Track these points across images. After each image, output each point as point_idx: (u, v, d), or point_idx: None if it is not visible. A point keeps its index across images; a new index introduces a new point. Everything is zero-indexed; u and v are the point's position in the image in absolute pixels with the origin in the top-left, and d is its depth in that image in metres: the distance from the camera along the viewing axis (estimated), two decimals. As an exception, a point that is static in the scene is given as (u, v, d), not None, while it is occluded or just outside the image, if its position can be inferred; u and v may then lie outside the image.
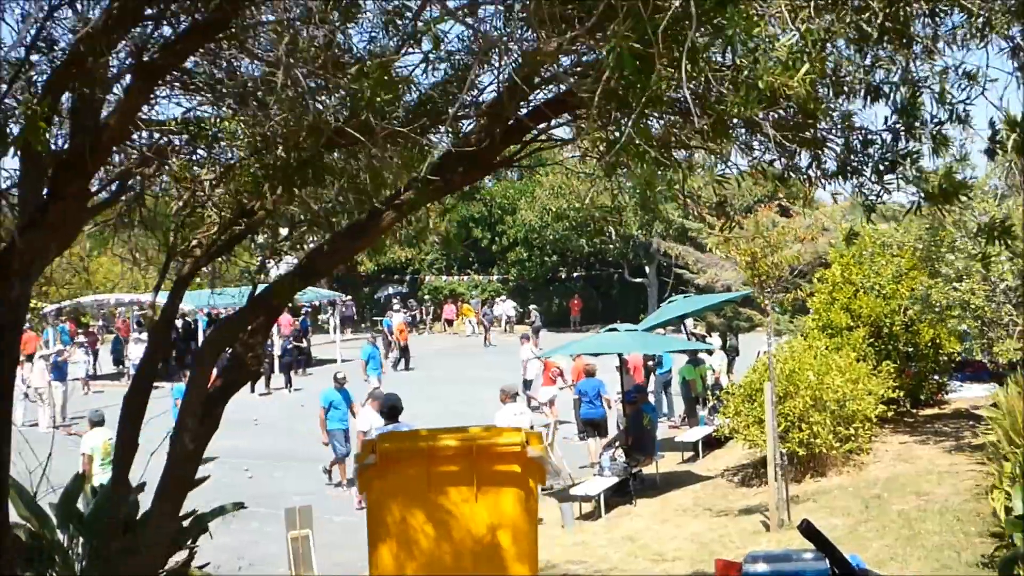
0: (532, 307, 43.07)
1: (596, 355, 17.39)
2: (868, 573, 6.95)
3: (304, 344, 35.70)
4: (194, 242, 5.90)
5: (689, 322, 25.13)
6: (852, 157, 5.05)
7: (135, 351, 31.54)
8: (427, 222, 7.09)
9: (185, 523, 8.46)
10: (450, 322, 49.59)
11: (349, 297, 49.79)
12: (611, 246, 46.38)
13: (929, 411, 18.35)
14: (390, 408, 10.26)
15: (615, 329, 16.35)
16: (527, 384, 24.91)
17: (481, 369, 30.53)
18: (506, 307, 48.09)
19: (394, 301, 45.65)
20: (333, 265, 5.87)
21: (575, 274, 50.84)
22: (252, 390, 29.26)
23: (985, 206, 15.18)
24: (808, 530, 6.64)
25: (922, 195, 4.94)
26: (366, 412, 14.66)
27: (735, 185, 5.50)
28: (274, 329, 36.71)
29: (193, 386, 5.65)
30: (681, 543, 11.38)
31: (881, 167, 5.00)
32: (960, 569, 8.16)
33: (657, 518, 13.43)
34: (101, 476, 13.15)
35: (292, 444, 19.47)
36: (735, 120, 4.57)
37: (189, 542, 8.46)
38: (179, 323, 37.50)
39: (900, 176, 5.01)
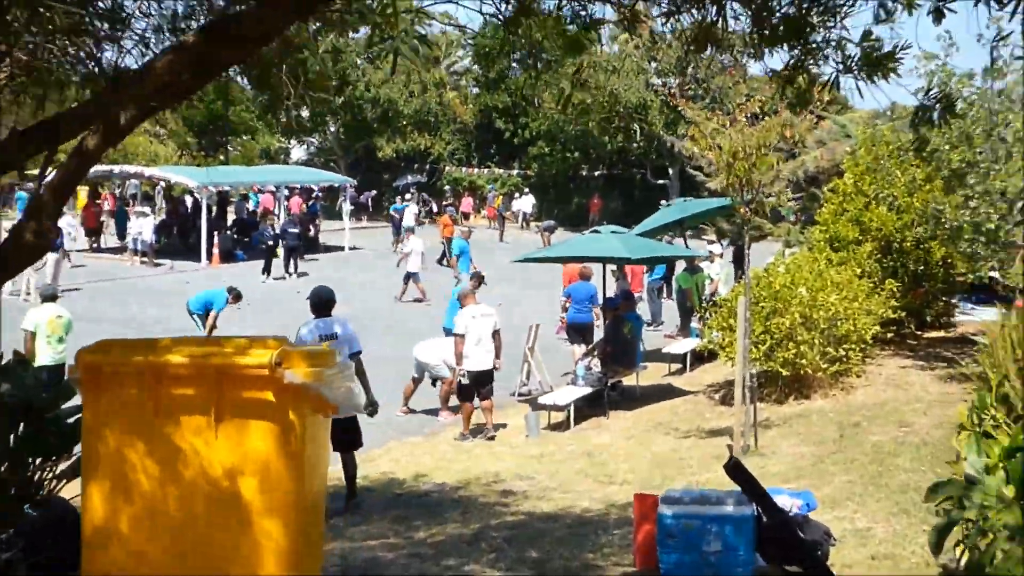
0: (545, 223, 42.15)
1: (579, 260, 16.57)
2: (800, 521, 6.19)
3: (308, 229, 34.93)
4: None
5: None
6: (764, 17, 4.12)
7: (136, 225, 31.01)
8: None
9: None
10: (467, 215, 48.69)
11: (368, 192, 49.02)
12: (635, 145, 45.02)
13: (934, 334, 17.43)
14: (322, 301, 9.41)
15: (598, 231, 15.44)
16: (413, 276, 25.25)
17: (490, 268, 29.71)
18: (524, 203, 47.13)
19: (406, 191, 44.83)
20: (86, 124, 4.71)
21: (597, 172, 49.61)
22: (266, 272, 28.53)
23: (1011, 116, 14.01)
24: (734, 470, 5.88)
25: (840, 66, 4.03)
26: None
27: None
28: (281, 211, 36.32)
29: None
30: (638, 463, 10.69)
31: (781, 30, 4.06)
32: (917, 515, 7.38)
33: (625, 433, 12.76)
34: (47, 353, 12.59)
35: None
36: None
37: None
38: (188, 200, 37.07)
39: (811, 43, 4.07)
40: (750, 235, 24.45)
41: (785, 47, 4.29)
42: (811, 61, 4.32)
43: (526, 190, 48.17)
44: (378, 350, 17.25)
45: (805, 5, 4.14)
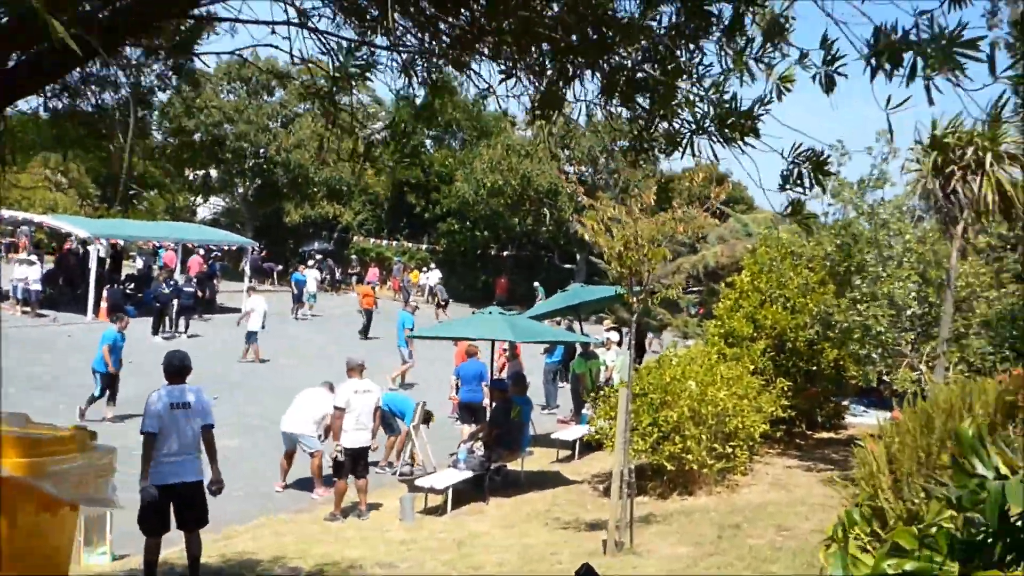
0: (437, 280, 42.73)
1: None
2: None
3: (203, 290, 34.06)
4: None
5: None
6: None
7: (19, 272, 29.65)
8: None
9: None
10: (372, 286, 48.15)
11: (270, 264, 48.14)
12: (544, 229, 45.27)
13: (824, 435, 17.43)
14: (175, 367, 8.75)
15: (483, 312, 15.12)
16: (252, 336, 25.30)
17: (386, 340, 29.11)
18: (431, 277, 46.85)
19: (311, 258, 44.12)
20: None
21: (505, 252, 49.66)
22: (155, 332, 27.57)
23: (900, 226, 14.25)
24: (585, 578, 5.44)
25: (693, 126, 3.73)
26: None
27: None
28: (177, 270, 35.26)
29: None
30: (510, 556, 10.19)
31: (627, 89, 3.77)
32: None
33: (503, 522, 12.26)
34: None
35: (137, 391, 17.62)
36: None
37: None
38: (81, 250, 35.80)
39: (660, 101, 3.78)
40: (649, 325, 24.57)
41: (635, 109, 4.00)
42: (663, 123, 4.00)
43: (432, 265, 47.92)
44: (255, 412, 16.59)
45: (650, 65, 3.83)
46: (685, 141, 3.88)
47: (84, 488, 4.18)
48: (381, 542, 11.05)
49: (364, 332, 31.14)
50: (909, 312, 13.81)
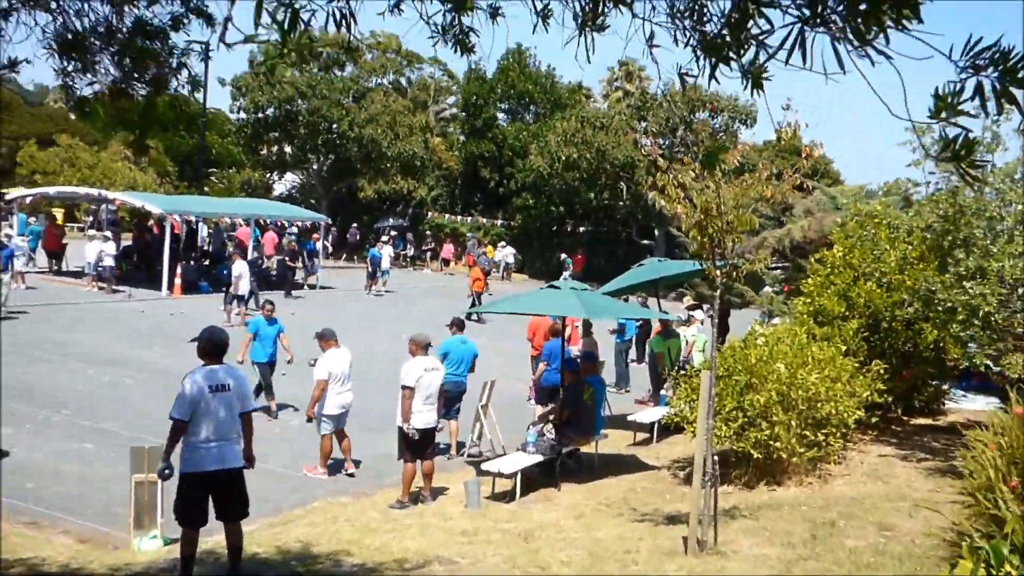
0: (505, 248, 42.23)
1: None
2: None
3: (296, 264, 34.50)
4: None
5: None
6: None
7: (92, 250, 29.67)
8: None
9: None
10: (447, 261, 47.60)
11: (354, 225, 48.23)
12: (621, 203, 44.13)
13: (922, 420, 16.20)
14: (213, 344, 8.03)
15: (555, 286, 14.06)
16: (241, 299, 26.22)
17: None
18: (506, 253, 46.16)
19: (385, 233, 43.66)
20: None
21: (581, 228, 48.58)
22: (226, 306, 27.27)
23: (1013, 196, 12.96)
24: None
25: (806, 12, 2.73)
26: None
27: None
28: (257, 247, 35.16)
29: None
30: (578, 553, 9.31)
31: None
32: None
33: (574, 511, 11.40)
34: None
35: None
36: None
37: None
38: (156, 228, 35.82)
39: None
40: (731, 301, 23.40)
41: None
42: (756, 11, 2.99)
43: (502, 243, 47.21)
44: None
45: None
46: (793, 37, 2.86)
47: None
48: (443, 532, 10.28)
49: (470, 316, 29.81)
50: (1021, 291, 12.53)
